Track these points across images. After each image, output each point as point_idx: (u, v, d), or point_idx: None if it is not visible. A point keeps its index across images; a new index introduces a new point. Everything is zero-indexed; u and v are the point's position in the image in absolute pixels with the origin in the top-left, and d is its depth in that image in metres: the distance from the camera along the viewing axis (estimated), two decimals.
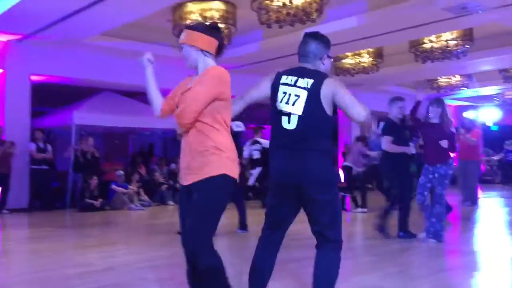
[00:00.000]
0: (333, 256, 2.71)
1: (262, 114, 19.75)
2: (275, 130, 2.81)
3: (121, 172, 10.52)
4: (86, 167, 10.18)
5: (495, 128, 19.41)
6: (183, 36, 2.74)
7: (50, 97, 12.25)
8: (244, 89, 13.06)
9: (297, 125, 2.69)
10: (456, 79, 13.96)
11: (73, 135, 10.29)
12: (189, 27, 2.79)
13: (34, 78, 10.06)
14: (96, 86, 11.62)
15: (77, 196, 10.10)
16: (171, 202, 10.90)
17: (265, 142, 10.12)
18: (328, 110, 2.67)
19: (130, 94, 12.68)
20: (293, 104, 2.69)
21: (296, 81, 2.73)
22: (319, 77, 2.71)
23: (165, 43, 10.27)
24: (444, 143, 5.50)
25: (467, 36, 9.52)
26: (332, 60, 2.93)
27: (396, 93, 16.10)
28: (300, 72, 2.76)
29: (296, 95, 2.70)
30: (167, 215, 9.34)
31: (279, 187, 2.79)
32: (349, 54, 11.06)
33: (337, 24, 8.81)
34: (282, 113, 2.74)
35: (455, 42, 9.49)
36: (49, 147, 10.06)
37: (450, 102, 18.66)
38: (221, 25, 8.43)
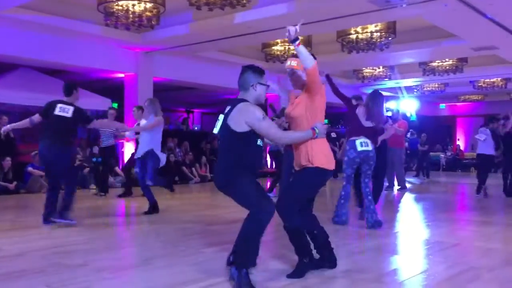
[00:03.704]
0: (249, 218, 3.33)
1: (192, 98, 19.44)
2: None
3: (36, 152, 9.99)
4: None
5: (413, 118, 20.55)
6: (294, 63, 3.61)
7: None
8: (173, 71, 13.01)
9: (220, 143, 3.58)
10: (379, 70, 14.54)
11: None
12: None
13: None
14: (12, 62, 10.91)
15: None
16: (93, 186, 10.52)
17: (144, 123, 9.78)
18: (237, 128, 3.33)
19: (49, 71, 12.03)
20: (216, 127, 3.52)
21: (224, 109, 3.48)
22: (235, 103, 3.40)
23: (89, 20, 9.81)
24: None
25: (391, 29, 9.89)
26: (266, 87, 3.52)
27: (324, 82, 16.58)
28: (230, 102, 3.49)
29: (218, 119, 3.50)
30: (87, 199, 8.99)
31: None
32: (279, 41, 11.14)
33: (267, 10, 8.83)
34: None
35: (379, 34, 9.83)
36: None
37: None
38: (149, 4, 8.18)
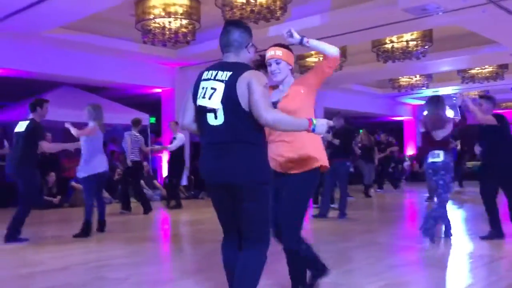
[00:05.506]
0: (255, 254, 2.61)
1: None
2: (202, 128, 2.66)
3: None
4: (44, 163, 9.89)
5: None
6: (279, 52, 3.05)
7: (7, 91, 11.88)
8: None
9: (224, 119, 2.54)
10: (416, 79, 14.30)
11: None
12: (283, 45, 3.10)
13: None
14: (55, 80, 11.33)
15: None
16: (131, 199, 10.70)
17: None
18: (245, 104, 2.51)
19: (90, 89, 12.42)
20: (209, 98, 2.55)
21: (216, 74, 2.59)
22: (238, 69, 2.57)
23: (127, 37, 10.10)
24: None
25: (427, 37, 9.74)
26: (256, 48, 2.81)
27: (359, 92, 16.44)
28: (221, 66, 2.63)
29: (212, 88, 2.55)
30: (127, 212, 9.18)
31: (212, 188, 2.72)
32: (313, 52, 11.14)
33: (301, 22, 8.86)
34: (206, 109, 2.58)
35: (415, 42, 9.70)
36: (6, 143, 9.73)
37: (410, 101, 19.09)
38: (184, 21, 8.37)
